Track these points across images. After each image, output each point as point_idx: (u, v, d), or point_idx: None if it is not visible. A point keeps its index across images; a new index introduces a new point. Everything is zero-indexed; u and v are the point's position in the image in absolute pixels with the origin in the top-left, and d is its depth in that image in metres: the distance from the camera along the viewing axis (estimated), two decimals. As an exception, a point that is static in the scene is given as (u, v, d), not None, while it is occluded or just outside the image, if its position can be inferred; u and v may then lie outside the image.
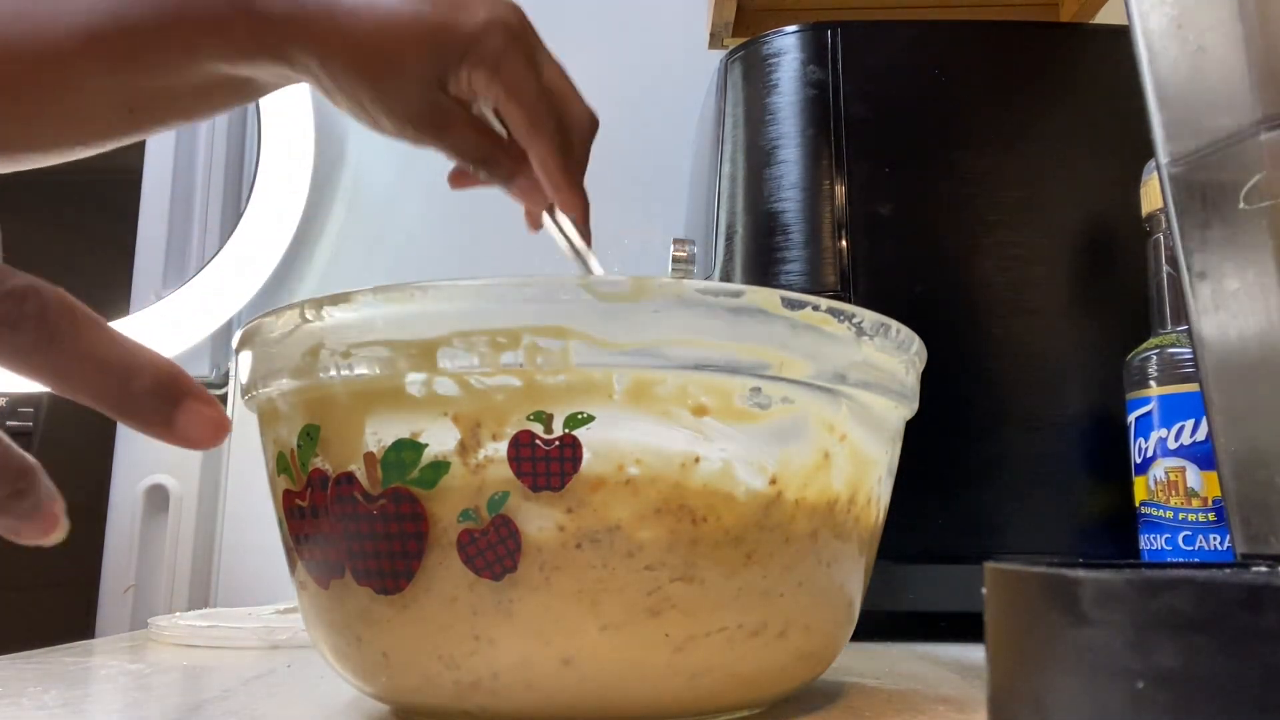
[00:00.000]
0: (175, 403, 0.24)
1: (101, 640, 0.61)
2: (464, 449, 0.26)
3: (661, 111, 1.24)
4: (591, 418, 0.26)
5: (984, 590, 0.21)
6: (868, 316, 0.30)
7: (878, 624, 0.50)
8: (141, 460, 1.13)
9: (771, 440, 0.28)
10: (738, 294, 0.27)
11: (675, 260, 0.67)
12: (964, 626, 0.53)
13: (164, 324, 1.10)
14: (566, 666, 0.27)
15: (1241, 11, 0.28)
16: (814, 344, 0.29)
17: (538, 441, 0.26)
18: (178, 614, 0.64)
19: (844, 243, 0.59)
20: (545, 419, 0.26)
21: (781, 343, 0.28)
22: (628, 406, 0.27)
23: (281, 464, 0.30)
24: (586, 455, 0.26)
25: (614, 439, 0.26)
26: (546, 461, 0.26)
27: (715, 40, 0.95)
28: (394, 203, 1.23)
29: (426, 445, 0.27)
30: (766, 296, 0.28)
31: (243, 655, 0.50)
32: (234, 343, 0.32)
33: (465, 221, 1.21)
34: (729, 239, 0.63)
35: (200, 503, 1.13)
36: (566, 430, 0.26)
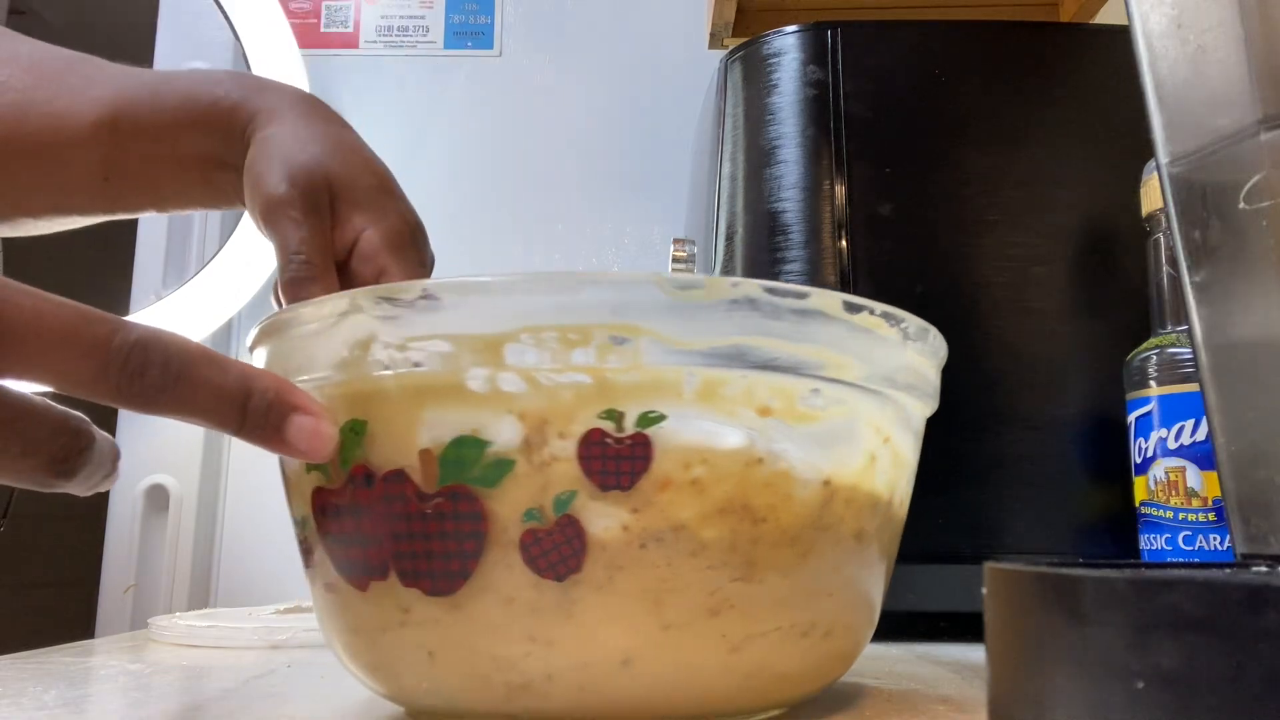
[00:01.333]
0: (285, 417, 0.27)
1: (101, 640, 0.61)
2: (528, 446, 0.26)
3: (661, 111, 1.24)
4: (663, 416, 0.26)
5: (984, 590, 0.21)
6: (913, 321, 0.30)
7: (878, 624, 0.50)
8: (141, 460, 1.13)
9: (827, 442, 0.28)
10: (803, 295, 0.27)
11: (675, 260, 0.67)
12: (964, 626, 0.53)
13: (164, 324, 1.10)
14: (625, 668, 0.26)
15: (1241, 11, 0.28)
16: (867, 347, 0.29)
17: (608, 440, 0.26)
18: (178, 614, 0.64)
19: (844, 243, 0.59)
20: (617, 417, 0.26)
21: (840, 345, 0.28)
22: (696, 406, 0.26)
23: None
24: (655, 454, 0.26)
25: (682, 438, 0.26)
26: (617, 460, 0.26)
27: (715, 40, 0.95)
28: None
29: (490, 443, 0.26)
30: (829, 300, 0.28)
31: (243, 655, 0.50)
32: (250, 339, 0.31)
33: (464, 222, 1.21)
34: (729, 239, 0.63)
35: (200, 503, 1.13)
36: (638, 429, 0.26)
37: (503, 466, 0.26)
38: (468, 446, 0.26)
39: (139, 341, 0.25)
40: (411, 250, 0.41)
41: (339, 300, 0.27)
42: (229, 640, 0.53)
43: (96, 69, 0.44)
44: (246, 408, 0.26)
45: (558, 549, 0.26)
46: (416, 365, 0.26)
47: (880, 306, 0.29)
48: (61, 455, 0.25)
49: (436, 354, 0.26)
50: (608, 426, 0.26)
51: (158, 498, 1.12)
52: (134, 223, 1.23)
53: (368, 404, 0.27)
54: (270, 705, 0.35)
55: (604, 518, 0.26)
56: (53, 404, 0.25)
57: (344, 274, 0.41)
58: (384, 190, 0.42)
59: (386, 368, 0.27)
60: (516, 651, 0.26)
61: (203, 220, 1.24)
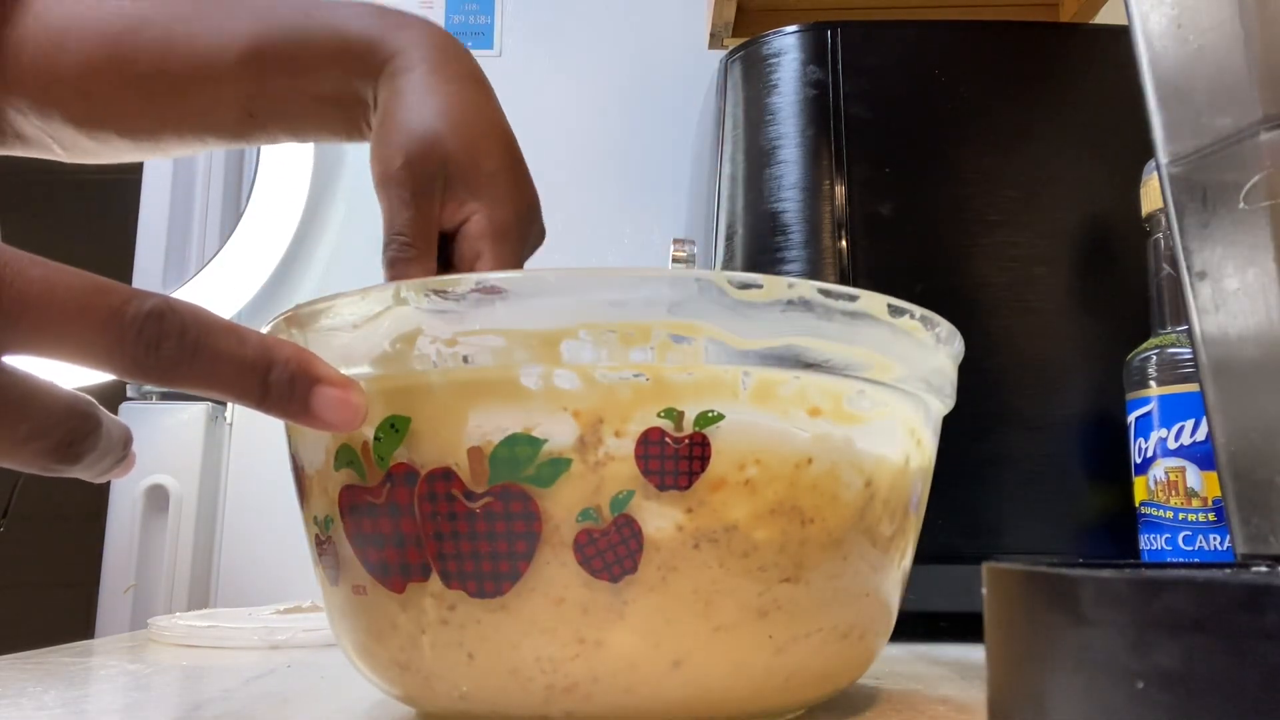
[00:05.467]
0: (310, 388, 0.26)
1: (101, 640, 0.61)
2: (583, 445, 0.25)
3: (661, 111, 1.24)
4: (721, 416, 0.26)
5: (984, 590, 0.21)
6: (944, 325, 0.31)
7: (878, 624, 0.50)
8: (141, 460, 1.12)
9: (869, 443, 0.29)
10: (854, 298, 0.27)
11: (675, 260, 0.67)
12: (964, 626, 0.53)
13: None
14: (675, 669, 0.26)
15: (1241, 12, 0.28)
16: (908, 350, 0.29)
17: (667, 439, 0.26)
18: (178, 614, 0.64)
19: (844, 243, 0.59)
20: (676, 417, 0.26)
21: (884, 347, 0.28)
22: (752, 406, 0.26)
23: (345, 458, 0.28)
24: (712, 455, 0.26)
25: (737, 438, 0.26)
26: (675, 460, 0.26)
27: (715, 40, 0.95)
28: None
29: (544, 441, 0.25)
30: (876, 302, 0.28)
31: (243, 655, 0.50)
32: (267, 329, 0.30)
33: (465, 221, 1.21)
34: (729, 239, 0.63)
35: (200, 503, 1.13)
36: (697, 429, 0.26)
37: (558, 466, 0.25)
38: (521, 445, 0.25)
39: (153, 311, 0.24)
40: (513, 239, 0.41)
41: (382, 293, 0.27)
42: (229, 640, 0.53)
43: (235, 2, 0.44)
44: (268, 380, 0.25)
45: (614, 549, 0.26)
46: (466, 361, 0.26)
47: (919, 310, 0.29)
48: (69, 439, 0.24)
49: (488, 349, 0.26)
50: (667, 426, 0.26)
51: (158, 498, 1.12)
52: (134, 223, 1.23)
53: (410, 400, 0.27)
54: (270, 705, 0.35)
55: (659, 518, 0.26)
56: (59, 386, 0.25)
57: (448, 249, 0.42)
58: (501, 171, 0.42)
59: (433, 363, 0.26)
60: (564, 653, 0.26)
61: (203, 220, 1.24)
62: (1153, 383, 0.48)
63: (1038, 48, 0.63)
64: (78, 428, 0.25)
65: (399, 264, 0.39)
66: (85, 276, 0.24)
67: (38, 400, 0.24)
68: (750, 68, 0.65)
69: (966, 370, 0.34)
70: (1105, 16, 0.86)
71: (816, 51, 0.62)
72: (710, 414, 0.26)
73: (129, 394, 1.15)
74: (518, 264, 0.42)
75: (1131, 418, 0.50)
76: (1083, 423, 0.57)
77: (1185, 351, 0.47)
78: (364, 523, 0.28)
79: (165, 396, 1.14)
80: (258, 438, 1.19)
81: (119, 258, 1.22)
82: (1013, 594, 0.20)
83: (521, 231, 0.42)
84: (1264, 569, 0.27)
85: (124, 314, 0.24)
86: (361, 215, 1.25)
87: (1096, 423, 0.57)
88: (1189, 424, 0.47)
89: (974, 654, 0.48)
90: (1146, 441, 0.49)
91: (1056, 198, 0.60)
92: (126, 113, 0.44)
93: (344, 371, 0.27)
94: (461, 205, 0.41)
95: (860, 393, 0.28)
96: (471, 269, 0.41)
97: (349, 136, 0.46)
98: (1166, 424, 0.47)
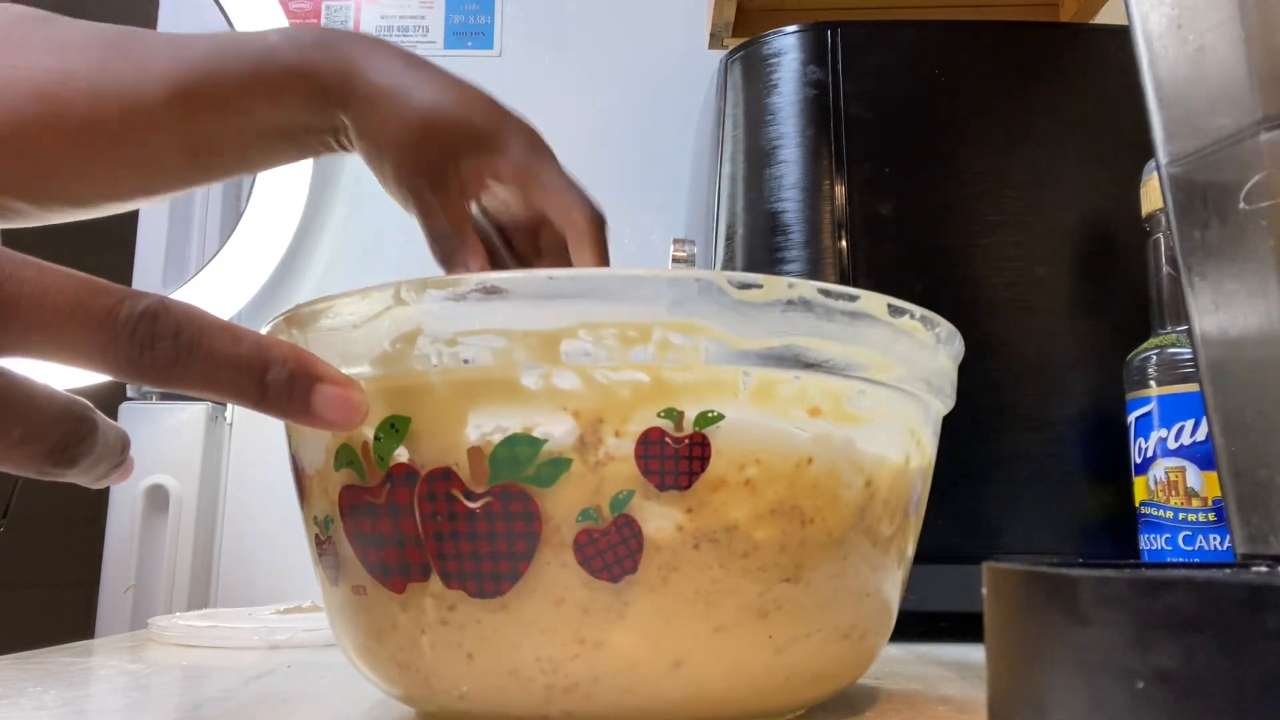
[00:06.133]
0: (309, 388, 0.25)
1: (101, 640, 0.61)
2: (583, 445, 0.25)
3: (661, 111, 1.24)
4: (721, 416, 0.26)
5: (984, 590, 0.21)
6: (944, 325, 0.31)
7: (878, 624, 0.50)
8: (141, 460, 1.12)
9: (870, 443, 0.29)
10: (854, 298, 0.27)
11: (675, 260, 0.67)
12: (964, 626, 0.53)
13: (164, 324, 1.10)
14: (675, 670, 0.26)
15: (1241, 12, 0.28)
16: (908, 350, 0.29)
17: (667, 439, 0.26)
18: (178, 614, 0.64)
19: (844, 243, 0.59)
20: (676, 416, 0.26)
21: (884, 347, 0.28)
22: (751, 406, 0.26)
23: (345, 458, 0.28)
24: (712, 455, 0.26)
25: (737, 438, 0.26)
26: (675, 460, 0.26)
27: (715, 40, 0.95)
28: (394, 202, 1.23)
29: (544, 441, 0.25)
30: (877, 302, 0.28)
31: (243, 655, 0.50)
32: (266, 330, 0.30)
33: (465, 221, 1.20)
34: (729, 239, 0.63)
35: (200, 503, 1.13)
36: (696, 429, 0.26)
37: (559, 465, 0.25)
38: (521, 445, 0.25)
39: (147, 311, 0.24)
40: (544, 159, 0.42)
41: (382, 293, 0.27)
42: (229, 640, 0.53)
43: (151, 43, 0.44)
44: (265, 379, 0.25)
45: (613, 549, 0.26)
46: (466, 361, 0.26)
47: (919, 310, 0.29)
48: (64, 443, 0.24)
49: (488, 349, 0.26)
50: (667, 426, 0.26)
51: (158, 498, 1.12)
52: (134, 222, 1.23)
53: (410, 400, 0.27)
54: (270, 705, 0.35)
55: (659, 518, 0.26)
56: (55, 389, 0.24)
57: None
58: (493, 118, 0.42)
59: (433, 363, 0.26)
60: (564, 653, 0.26)
61: (203, 220, 1.24)
62: (1153, 383, 0.48)
63: (1038, 48, 0.63)
64: (73, 431, 0.24)
65: (451, 255, 0.41)
66: (79, 277, 0.24)
67: (32, 403, 0.24)
68: (750, 68, 0.65)
69: (966, 370, 0.34)
70: (1105, 16, 0.86)
71: (816, 51, 0.62)
72: (710, 414, 0.26)
73: (129, 394, 1.15)
74: (559, 173, 0.43)
75: (1131, 418, 0.50)
76: (1083, 423, 0.57)
77: (1185, 351, 0.47)
78: (364, 523, 0.28)
79: (165, 396, 1.14)
80: (258, 438, 1.19)
81: (119, 257, 1.22)
82: (1013, 594, 0.20)
83: (543, 156, 0.42)
84: (1264, 569, 0.27)
85: (117, 314, 0.23)
86: (361, 215, 1.25)
87: (1096, 423, 0.57)
88: (1189, 424, 0.47)
89: (974, 654, 0.48)
90: (1146, 441, 0.49)
91: (1056, 198, 0.60)
92: (64, 169, 0.43)
93: (344, 372, 0.27)
94: (480, 167, 0.42)
95: (860, 393, 0.28)
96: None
97: (306, 156, 0.46)
98: (1166, 424, 0.47)
